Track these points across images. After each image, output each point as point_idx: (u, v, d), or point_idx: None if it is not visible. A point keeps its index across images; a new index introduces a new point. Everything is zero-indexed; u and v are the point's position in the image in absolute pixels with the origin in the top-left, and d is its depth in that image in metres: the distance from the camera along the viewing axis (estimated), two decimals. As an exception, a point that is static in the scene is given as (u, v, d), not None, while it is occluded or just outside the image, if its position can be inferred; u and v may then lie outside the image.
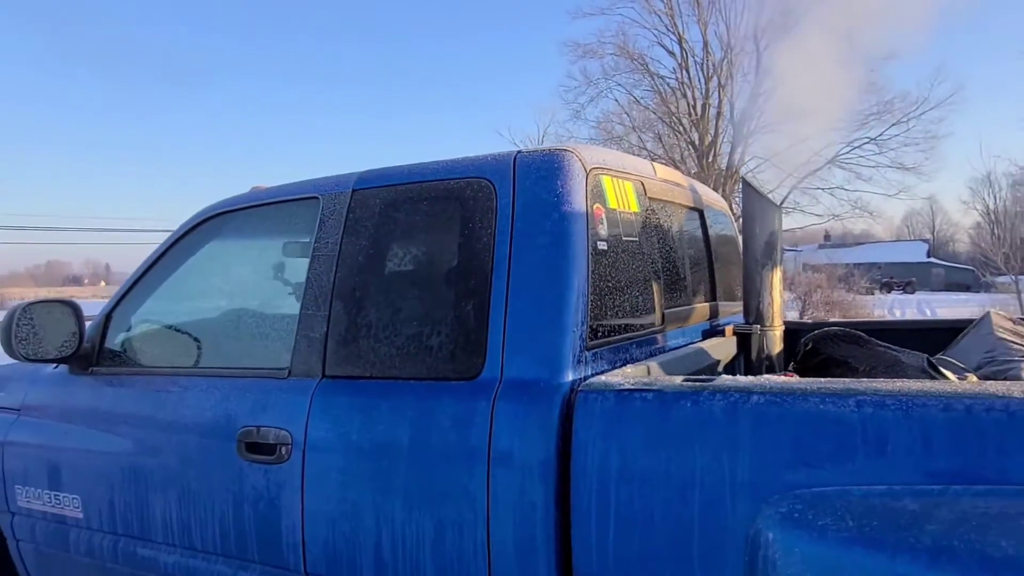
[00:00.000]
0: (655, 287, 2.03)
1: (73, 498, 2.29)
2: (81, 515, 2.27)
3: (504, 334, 1.63)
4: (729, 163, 29.56)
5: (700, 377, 1.49)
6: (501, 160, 1.80)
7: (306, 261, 2.03)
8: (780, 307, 2.54)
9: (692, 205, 2.52)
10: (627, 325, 1.85)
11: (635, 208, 1.99)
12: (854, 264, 33.72)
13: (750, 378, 1.48)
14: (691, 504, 1.34)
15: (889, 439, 1.20)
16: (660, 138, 27.25)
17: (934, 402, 1.19)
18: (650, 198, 2.12)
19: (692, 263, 2.45)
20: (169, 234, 2.36)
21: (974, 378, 1.91)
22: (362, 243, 1.92)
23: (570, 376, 1.56)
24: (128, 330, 2.40)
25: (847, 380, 1.35)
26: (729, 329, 2.44)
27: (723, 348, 2.35)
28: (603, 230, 1.77)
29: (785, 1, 27.06)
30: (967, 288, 40.48)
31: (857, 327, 2.53)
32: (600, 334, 1.70)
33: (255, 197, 2.27)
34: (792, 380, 1.38)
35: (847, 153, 28.93)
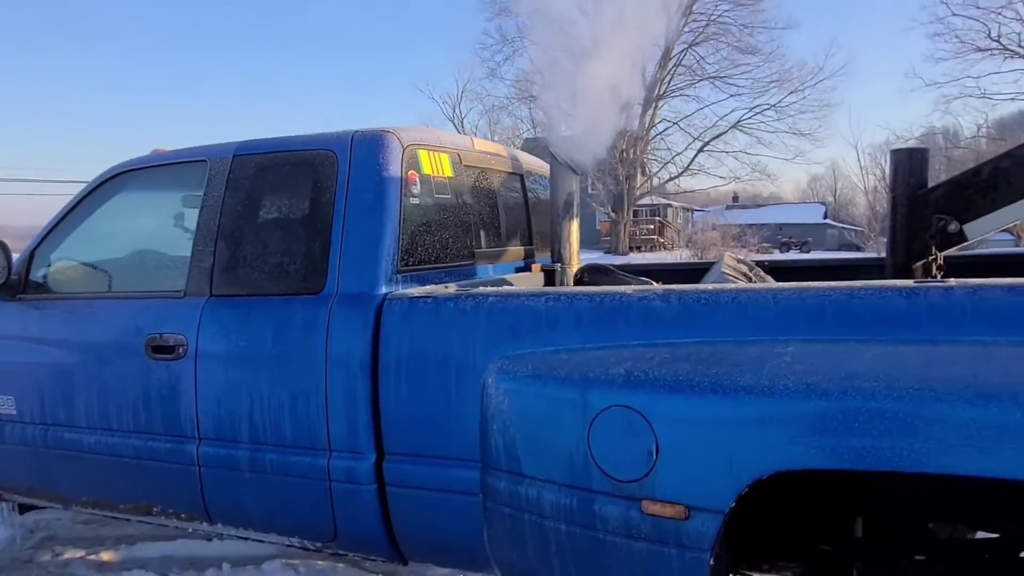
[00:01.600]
0: (466, 232, 2.76)
1: (7, 399, 2.85)
2: (15, 412, 2.84)
3: (340, 261, 2.33)
4: (640, 124, 30.71)
5: (464, 287, 2.23)
6: (343, 137, 2.46)
7: (194, 207, 2.65)
8: (576, 250, 3.32)
9: (511, 171, 3.25)
10: (437, 257, 2.57)
11: (449, 173, 2.70)
12: (757, 225, 35.81)
13: (492, 287, 2.24)
14: (451, 366, 2.08)
15: (559, 319, 1.97)
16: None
17: (584, 298, 1.97)
18: (466, 165, 2.83)
19: (508, 215, 3.18)
20: (79, 187, 2.91)
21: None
22: (240, 196, 2.56)
23: (383, 290, 2.27)
24: (49, 265, 2.94)
25: (548, 288, 2.11)
26: (536, 267, 3.20)
27: (529, 280, 3.11)
28: (416, 189, 2.47)
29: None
30: (858, 248, 43.63)
31: (636, 268, 3.33)
32: (410, 263, 2.41)
33: (155, 159, 2.85)
34: (511, 287, 2.14)
35: (749, 119, 30.62)
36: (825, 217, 54.28)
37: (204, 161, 2.67)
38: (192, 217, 2.79)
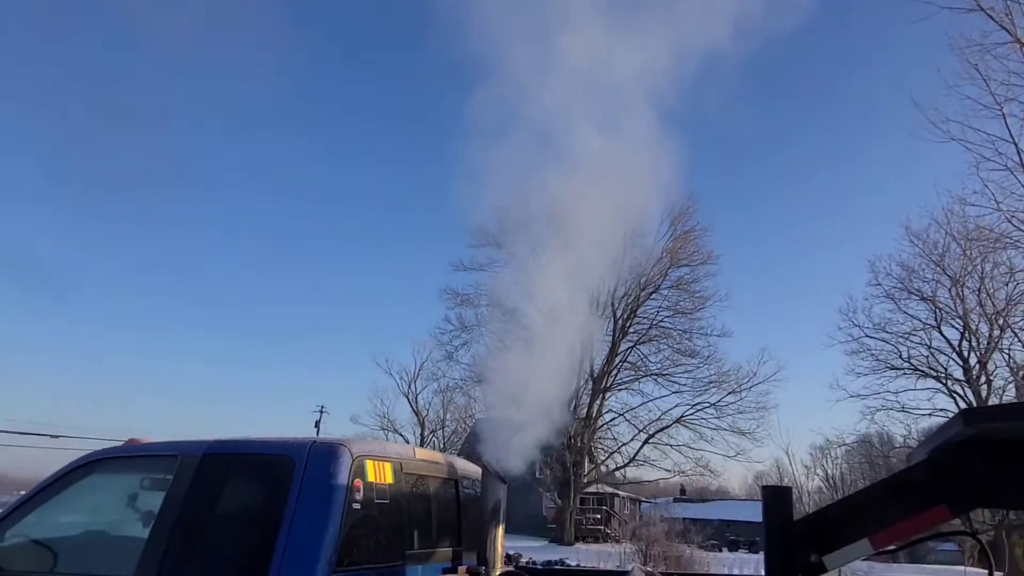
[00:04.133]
0: (399, 538, 3.10)
1: None
2: None
3: (283, 557, 2.62)
4: (588, 413, 31.84)
5: None
6: (302, 445, 2.91)
7: (159, 497, 2.96)
8: (500, 554, 3.62)
9: (447, 476, 3.68)
10: (371, 558, 2.88)
11: (390, 480, 3.12)
12: (704, 520, 35.44)
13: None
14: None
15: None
16: (524, 386, 29.06)
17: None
18: (406, 472, 3.27)
19: (440, 518, 3.54)
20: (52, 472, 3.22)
21: None
22: (204, 492, 2.91)
23: (319, 589, 2.55)
24: (2, 540, 3.12)
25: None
26: (462, 569, 3.47)
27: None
28: (359, 495, 2.87)
29: (638, 277, 31.47)
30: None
31: (558, 572, 3.63)
32: (346, 563, 2.72)
33: (129, 449, 3.24)
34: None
35: (691, 415, 32.05)
36: (772, 516, 53.70)
37: (175, 456, 3.06)
38: (150, 503, 3.09)
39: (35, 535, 3.21)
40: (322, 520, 2.69)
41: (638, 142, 4.27)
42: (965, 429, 2.33)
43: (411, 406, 39.57)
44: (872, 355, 27.27)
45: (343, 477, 2.81)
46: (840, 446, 33.66)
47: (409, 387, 39.50)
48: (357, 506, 2.85)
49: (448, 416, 38.77)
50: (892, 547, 2.91)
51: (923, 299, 25.90)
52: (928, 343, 26.46)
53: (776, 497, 3.10)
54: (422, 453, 3.54)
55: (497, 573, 3.50)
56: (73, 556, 3.13)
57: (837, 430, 55.27)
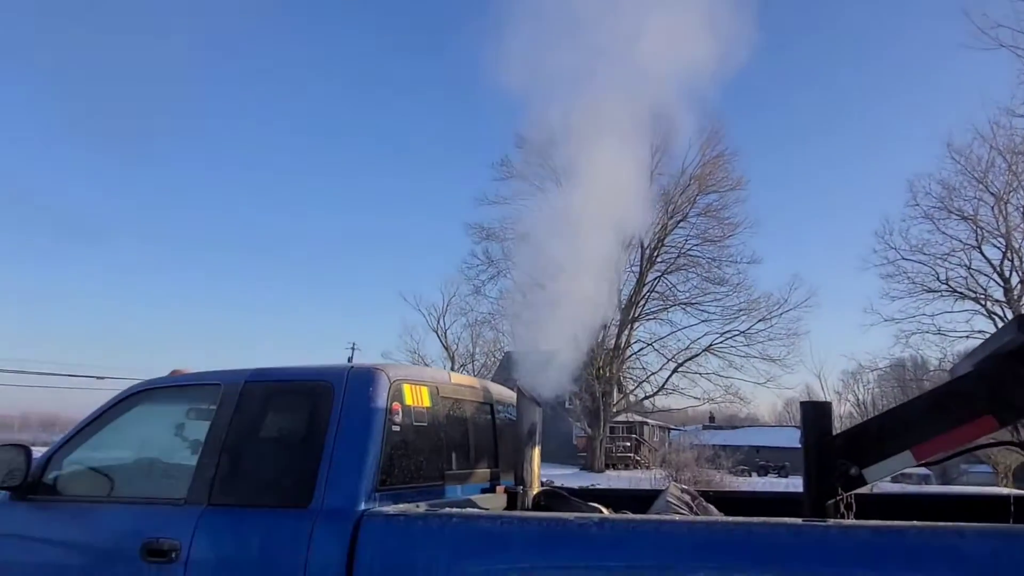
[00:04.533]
0: (438, 455, 3.15)
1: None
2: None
3: (327, 479, 2.69)
4: (616, 343, 31.97)
5: (434, 507, 2.58)
6: (340, 370, 2.94)
7: (204, 425, 3.04)
8: (537, 474, 3.69)
9: (482, 400, 3.72)
10: (412, 478, 2.94)
11: (427, 404, 3.16)
12: (733, 447, 35.88)
13: (456, 508, 2.59)
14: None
15: (511, 541, 2.31)
16: (553, 318, 29.26)
17: (534, 522, 2.33)
18: (443, 396, 3.30)
19: (477, 440, 3.60)
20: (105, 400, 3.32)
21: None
22: (247, 417, 2.97)
23: (363, 507, 2.62)
24: (61, 468, 3.25)
25: (504, 512, 2.47)
26: (500, 488, 3.55)
27: (493, 501, 3.44)
28: (398, 418, 2.91)
29: (666, 205, 30.97)
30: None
31: (593, 492, 3.69)
32: (388, 483, 2.78)
33: (174, 380, 3.31)
34: (472, 509, 2.49)
35: (720, 343, 32.03)
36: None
37: (218, 384, 3.12)
38: (196, 430, 3.17)
39: (90, 463, 3.33)
40: (363, 442, 2.74)
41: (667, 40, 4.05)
42: (1018, 335, 2.26)
43: (440, 341, 40.20)
44: (908, 278, 26.86)
45: (382, 400, 2.84)
46: (873, 371, 33.55)
47: (438, 323, 40.03)
48: (396, 428, 2.89)
49: (477, 350, 39.34)
50: (936, 459, 2.88)
51: (964, 218, 25.22)
52: (968, 264, 25.92)
53: (815, 411, 3.08)
54: (458, 378, 3.57)
55: (534, 492, 3.57)
56: (128, 481, 3.26)
57: (870, 355, 54.99)
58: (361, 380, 2.88)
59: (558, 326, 3.97)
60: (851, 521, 2.12)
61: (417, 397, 3.10)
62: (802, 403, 3.21)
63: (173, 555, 2.72)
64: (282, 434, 2.99)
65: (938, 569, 1.93)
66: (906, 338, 26.94)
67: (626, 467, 35.47)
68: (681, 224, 31.84)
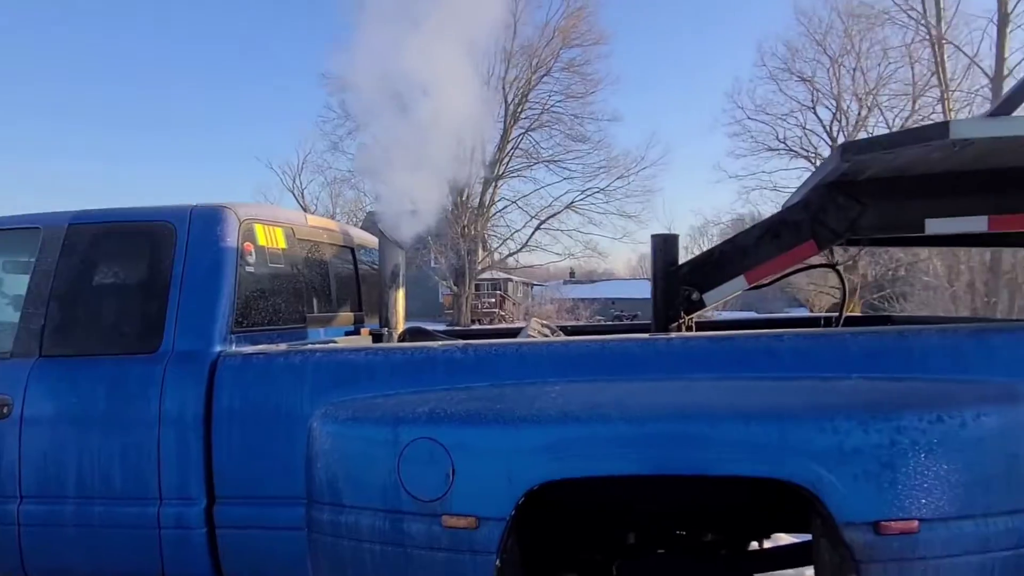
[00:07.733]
0: (298, 298, 3.06)
1: None
2: None
3: (176, 322, 2.55)
4: (480, 202, 32.15)
5: (294, 345, 2.53)
6: (182, 210, 2.71)
7: (24, 277, 2.74)
8: (402, 317, 3.71)
9: (343, 244, 3.61)
10: (270, 320, 2.85)
11: (283, 245, 3.01)
12: (591, 299, 38.14)
13: (317, 345, 2.57)
14: (281, 415, 2.36)
15: (376, 370, 2.33)
16: (416, 176, 28.70)
17: (399, 352, 2.36)
18: (300, 238, 3.16)
19: (339, 284, 3.53)
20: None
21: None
22: (74, 262, 2.70)
23: (218, 348, 2.52)
24: None
25: (367, 345, 2.47)
26: (364, 331, 3.55)
27: (357, 343, 3.44)
28: (251, 259, 2.76)
29: (529, 59, 30.38)
30: (680, 320, 47.45)
31: (456, 332, 3.79)
32: (244, 325, 2.68)
33: (-17, 225, 2.91)
34: (335, 344, 2.48)
35: (581, 200, 33.04)
36: (652, 292, 58.53)
37: (38, 228, 2.79)
38: (13, 283, 2.87)
39: None
40: (213, 283, 2.59)
41: None
42: (840, 164, 2.45)
43: (297, 202, 38.41)
44: (752, 137, 28.45)
45: (231, 239, 2.67)
46: (716, 225, 36.17)
47: (294, 182, 38.05)
48: (250, 269, 2.75)
49: (338, 210, 38.12)
50: (765, 282, 3.17)
51: (803, 80, 26.67)
52: (803, 124, 27.76)
53: (664, 243, 3.25)
54: (315, 220, 3.41)
55: (399, 331, 3.61)
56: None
57: (715, 210, 59.15)
58: (207, 219, 2.68)
59: (420, 174, 3.86)
60: (691, 333, 2.32)
61: (271, 238, 2.94)
62: (652, 235, 3.37)
63: (4, 410, 2.52)
64: (119, 279, 2.75)
65: (761, 365, 2.17)
66: (747, 194, 29.04)
67: (491, 322, 36.91)
68: (545, 79, 31.44)
